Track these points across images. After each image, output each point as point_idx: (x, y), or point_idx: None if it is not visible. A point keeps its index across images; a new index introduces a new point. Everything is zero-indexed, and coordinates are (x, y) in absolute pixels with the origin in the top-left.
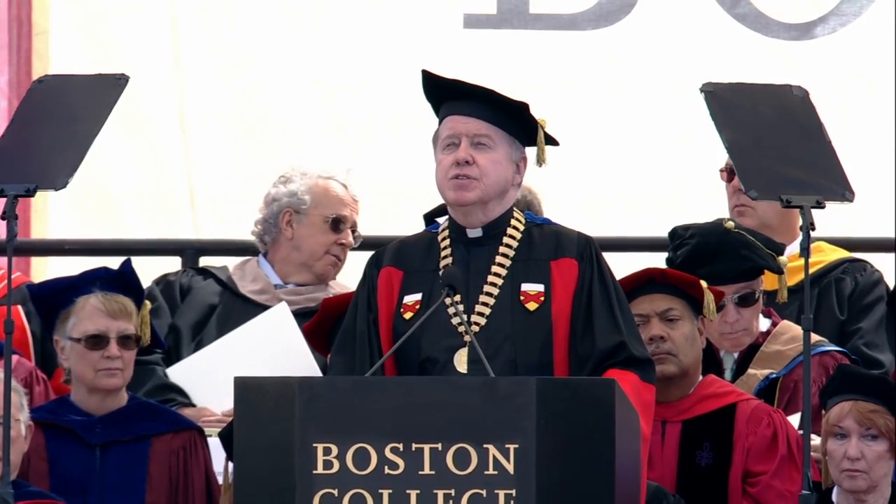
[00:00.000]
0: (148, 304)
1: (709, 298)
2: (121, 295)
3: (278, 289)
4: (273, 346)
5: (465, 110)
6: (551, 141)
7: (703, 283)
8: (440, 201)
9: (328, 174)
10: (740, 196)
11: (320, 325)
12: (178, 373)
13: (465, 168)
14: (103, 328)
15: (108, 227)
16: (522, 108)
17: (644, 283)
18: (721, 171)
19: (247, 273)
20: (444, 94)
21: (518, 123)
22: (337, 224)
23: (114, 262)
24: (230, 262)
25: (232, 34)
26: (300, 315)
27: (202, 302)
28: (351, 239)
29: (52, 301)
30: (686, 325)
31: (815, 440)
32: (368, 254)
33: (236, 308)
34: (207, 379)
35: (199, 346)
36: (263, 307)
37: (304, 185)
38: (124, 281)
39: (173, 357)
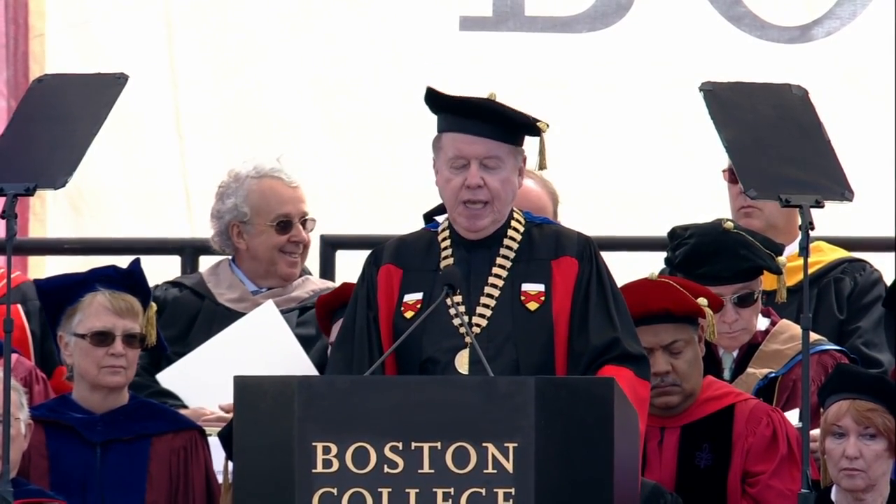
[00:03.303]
0: (154, 305)
1: (710, 321)
2: (128, 294)
3: (255, 294)
4: (263, 345)
5: (471, 129)
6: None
7: (704, 302)
8: (436, 200)
9: (259, 172)
10: (746, 197)
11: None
12: (169, 377)
13: (476, 193)
14: (109, 325)
15: (103, 227)
16: (532, 126)
17: (645, 317)
18: (724, 171)
19: (221, 279)
20: (448, 109)
21: (521, 131)
22: (284, 225)
23: (112, 262)
24: (202, 266)
25: (227, 35)
26: (285, 314)
27: (181, 315)
28: (304, 234)
29: (59, 296)
30: (690, 350)
31: (814, 432)
32: (363, 253)
33: (217, 317)
34: (199, 381)
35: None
36: (243, 316)
37: (241, 194)
38: (132, 280)
39: (162, 369)
